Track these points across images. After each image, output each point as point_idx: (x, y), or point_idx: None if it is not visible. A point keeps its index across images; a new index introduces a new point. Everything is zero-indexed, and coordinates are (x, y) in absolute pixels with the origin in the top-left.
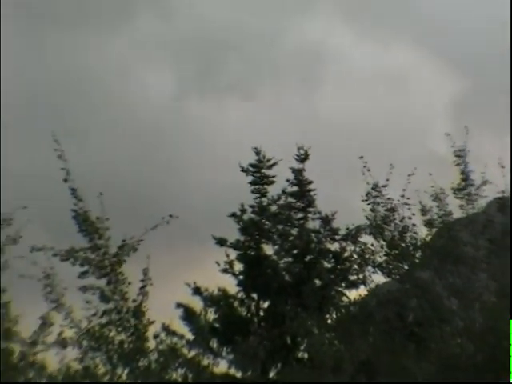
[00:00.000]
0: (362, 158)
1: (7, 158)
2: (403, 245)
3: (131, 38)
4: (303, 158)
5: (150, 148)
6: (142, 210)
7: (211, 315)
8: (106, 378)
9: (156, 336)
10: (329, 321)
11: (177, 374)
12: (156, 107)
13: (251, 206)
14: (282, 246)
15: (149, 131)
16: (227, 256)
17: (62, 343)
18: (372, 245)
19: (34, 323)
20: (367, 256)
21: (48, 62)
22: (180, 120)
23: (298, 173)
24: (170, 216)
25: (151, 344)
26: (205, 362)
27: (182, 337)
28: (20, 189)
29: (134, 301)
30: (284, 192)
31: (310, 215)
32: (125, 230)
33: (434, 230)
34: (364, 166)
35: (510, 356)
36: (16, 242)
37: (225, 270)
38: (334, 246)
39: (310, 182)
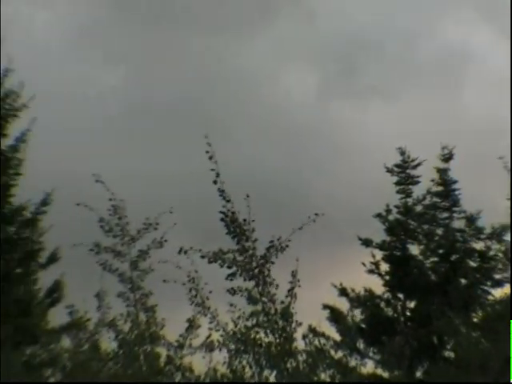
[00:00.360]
0: (501, 158)
1: (154, 162)
2: None
3: (274, 40)
4: (448, 157)
5: (294, 148)
6: (289, 212)
7: (358, 316)
8: (252, 381)
9: (305, 337)
10: (475, 319)
11: (325, 375)
12: (300, 108)
13: (396, 207)
14: (428, 245)
15: (293, 132)
16: (373, 256)
17: (209, 346)
18: None
19: (179, 327)
20: None
21: (192, 65)
22: (323, 120)
23: (442, 172)
24: (316, 214)
25: (299, 345)
26: (352, 362)
27: (328, 338)
28: (167, 192)
29: (282, 302)
30: (429, 192)
31: (455, 214)
32: (272, 231)
33: None
34: (504, 166)
35: None
36: (162, 245)
37: (371, 271)
38: (479, 245)
39: (455, 182)
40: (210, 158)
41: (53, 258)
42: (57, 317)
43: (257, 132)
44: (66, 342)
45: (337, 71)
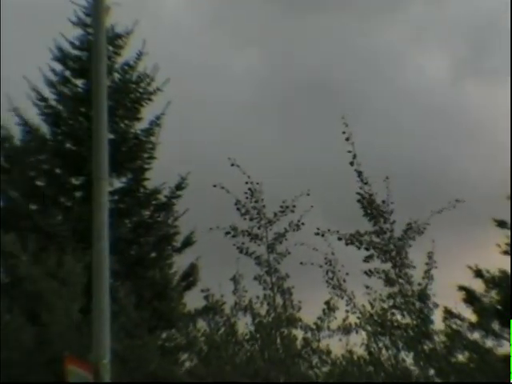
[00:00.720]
0: None
1: (289, 144)
2: None
3: (405, 22)
4: None
5: (429, 133)
6: (426, 194)
7: (493, 297)
8: (389, 363)
9: (445, 319)
10: None
11: (463, 357)
12: (432, 92)
13: None
14: None
15: (426, 116)
16: (508, 238)
17: (346, 329)
18: None
19: (316, 309)
20: None
21: (326, 47)
22: (456, 101)
23: None
24: (457, 200)
25: (436, 327)
26: (488, 343)
27: (463, 319)
28: (304, 174)
29: (419, 284)
30: None
31: None
32: (410, 213)
33: None
34: None
35: None
36: (298, 228)
37: (506, 252)
38: None
39: None
40: (347, 139)
41: (188, 242)
42: (192, 300)
43: (391, 113)
44: (202, 325)
45: (468, 54)
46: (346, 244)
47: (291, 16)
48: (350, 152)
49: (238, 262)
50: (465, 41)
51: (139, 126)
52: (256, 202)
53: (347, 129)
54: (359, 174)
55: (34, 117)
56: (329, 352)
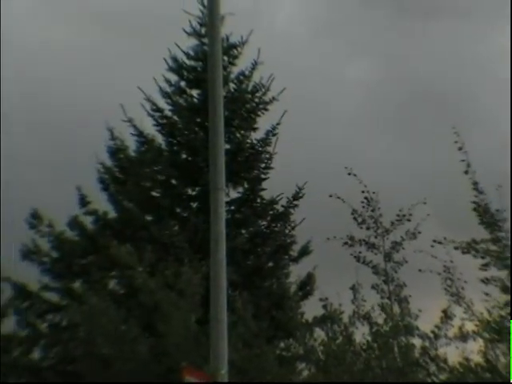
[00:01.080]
0: None
1: (405, 152)
2: None
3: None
4: None
5: None
6: None
7: None
8: (506, 370)
9: None
10: None
11: None
12: None
13: None
14: None
15: None
16: None
17: (463, 336)
18: None
19: (432, 317)
20: None
21: (437, 55)
22: None
23: None
24: None
25: None
26: None
27: None
28: (420, 183)
29: None
30: None
31: None
32: None
33: None
34: None
35: None
36: (415, 237)
37: None
38: None
39: None
40: (460, 148)
41: (304, 251)
42: (309, 310)
43: (504, 121)
44: (320, 334)
45: None
46: (463, 253)
47: (403, 23)
48: (463, 161)
49: (357, 271)
50: None
51: (255, 136)
52: (372, 211)
53: (460, 138)
54: (475, 184)
55: (149, 127)
56: (445, 360)
